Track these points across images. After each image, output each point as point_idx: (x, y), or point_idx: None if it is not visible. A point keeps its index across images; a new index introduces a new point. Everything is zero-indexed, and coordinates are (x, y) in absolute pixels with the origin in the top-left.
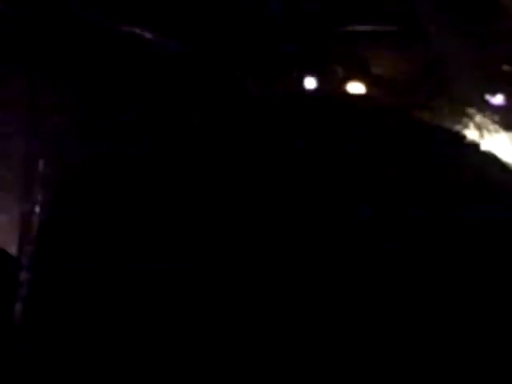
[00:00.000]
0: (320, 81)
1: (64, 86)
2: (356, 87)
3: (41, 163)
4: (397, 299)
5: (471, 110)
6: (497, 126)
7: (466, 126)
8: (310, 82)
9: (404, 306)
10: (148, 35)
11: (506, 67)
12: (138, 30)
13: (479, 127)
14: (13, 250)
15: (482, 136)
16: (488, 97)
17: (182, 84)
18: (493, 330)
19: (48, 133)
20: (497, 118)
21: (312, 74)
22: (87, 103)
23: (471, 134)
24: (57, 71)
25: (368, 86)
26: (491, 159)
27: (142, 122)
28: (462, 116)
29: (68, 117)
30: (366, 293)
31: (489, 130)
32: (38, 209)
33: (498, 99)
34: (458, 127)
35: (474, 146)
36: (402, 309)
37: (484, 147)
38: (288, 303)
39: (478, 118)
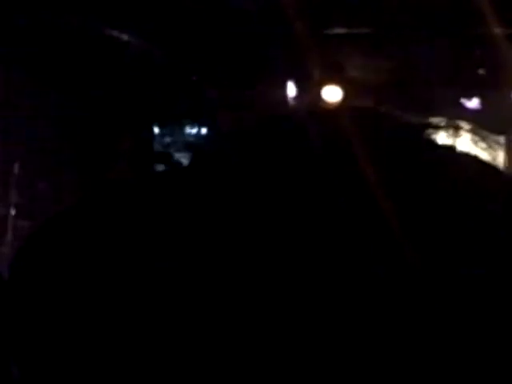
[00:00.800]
0: (297, 84)
1: (44, 88)
2: (332, 90)
3: (16, 167)
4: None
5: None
6: (473, 129)
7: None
8: (288, 86)
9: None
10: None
11: (481, 71)
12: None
13: (456, 132)
14: None
15: (458, 140)
16: (464, 100)
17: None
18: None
19: (24, 136)
20: (472, 121)
21: (289, 77)
22: (67, 108)
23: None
24: (38, 73)
25: (344, 87)
26: (478, 162)
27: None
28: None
29: (46, 121)
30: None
31: (463, 134)
32: (12, 212)
33: (473, 103)
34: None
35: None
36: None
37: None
38: (286, 309)
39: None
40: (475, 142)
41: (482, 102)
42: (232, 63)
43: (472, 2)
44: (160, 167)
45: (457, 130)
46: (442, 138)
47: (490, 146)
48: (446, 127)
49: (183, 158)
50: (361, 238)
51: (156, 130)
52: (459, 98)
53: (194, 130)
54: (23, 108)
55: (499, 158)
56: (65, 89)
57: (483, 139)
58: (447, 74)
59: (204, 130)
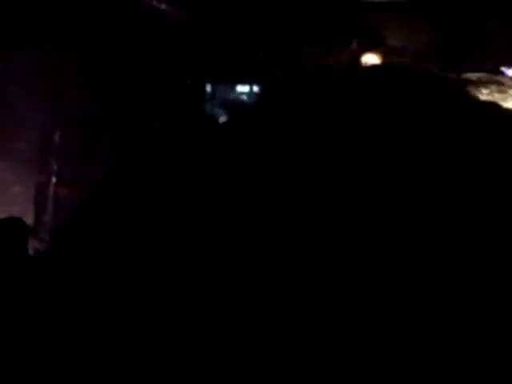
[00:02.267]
0: (335, 53)
1: (84, 61)
2: (371, 58)
3: (56, 135)
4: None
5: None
6: None
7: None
8: (325, 56)
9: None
10: (164, 7)
11: None
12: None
13: (499, 88)
14: (29, 220)
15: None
16: (504, 69)
17: (196, 56)
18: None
19: (66, 106)
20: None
21: (326, 47)
22: (106, 78)
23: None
24: (77, 47)
25: (383, 57)
26: None
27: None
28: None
29: (86, 92)
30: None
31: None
32: (53, 179)
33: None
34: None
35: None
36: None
37: None
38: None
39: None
40: None
41: None
42: (280, 27)
43: None
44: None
45: (499, 85)
46: (483, 94)
47: None
48: (487, 83)
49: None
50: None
51: (208, 88)
52: (498, 67)
53: (246, 89)
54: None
55: None
56: (111, 55)
57: None
58: (489, 43)
59: (256, 89)
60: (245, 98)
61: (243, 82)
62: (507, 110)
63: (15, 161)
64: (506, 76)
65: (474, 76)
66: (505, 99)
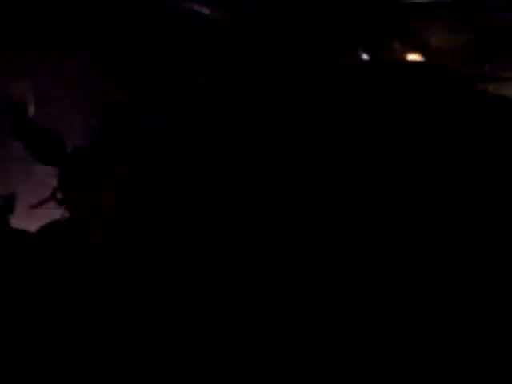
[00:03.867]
0: (378, 56)
1: (123, 61)
2: (414, 59)
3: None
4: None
5: None
6: None
7: None
8: (369, 57)
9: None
10: (207, 12)
11: None
12: (196, 7)
13: None
14: None
15: None
16: None
17: (244, 64)
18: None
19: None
20: None
21: (370, 49)
22: (145, 80)
23: None
24: (116, 47)
25: (427, 58)
26: None
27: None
28: None
29: (125, 93)
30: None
31: None
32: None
33: None
34: None
35: None
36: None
37: None
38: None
39: None
40: None
41: None
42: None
43: None
44: None
45: None
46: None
47: None
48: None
49: None
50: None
51: None
52: None
53: None
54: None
55: None
56: (149, 66)
57: None
58: None
59: None
60: None
61: None
62: None
63: None
64: None
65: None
66: None
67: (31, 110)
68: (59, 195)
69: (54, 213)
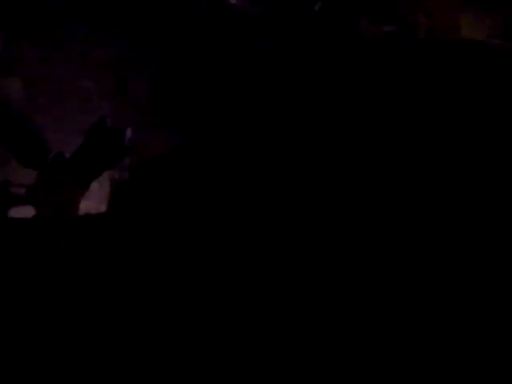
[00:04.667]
0: (403, 31)
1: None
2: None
3: (128, 131)
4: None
5: None
6: None
7: None
8: (393, 33)
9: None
10: None
11: None
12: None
13: None
14: None
15: None
16: None
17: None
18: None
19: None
20: None
21: (394, 24)
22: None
23: None
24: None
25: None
26: None
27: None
28: None
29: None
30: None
31: None
32: (126, 175)
33: None
34: None
35: None
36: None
37: None
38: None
39: None
40: None
41: None
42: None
43: None
44: None
45: None
46: None
47: None
48: None
49: None
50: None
51: None
52: None
53: None
54: None
55: None
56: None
57: None
58: None
59: None
60: None
61: None
62: None
63: None
64: None
65: None
66: None
67: (17, 110)
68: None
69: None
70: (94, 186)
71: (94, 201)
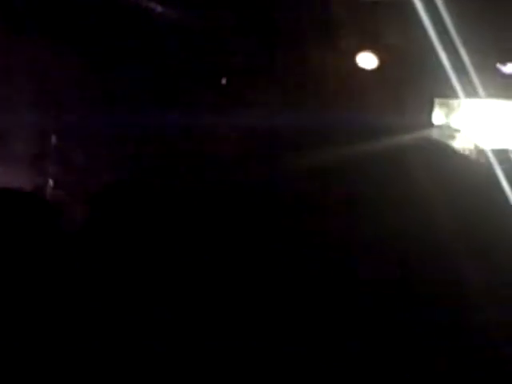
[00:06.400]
0: (333, 53)
1: (77, 60)
2: (368, 57)
3: (53, 138)
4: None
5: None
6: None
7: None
8: (324, 55)
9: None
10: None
11: None
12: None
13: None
14: None
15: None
16: (499, 66)
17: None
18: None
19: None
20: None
21: (325, 46)
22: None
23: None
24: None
25: (379, 55)
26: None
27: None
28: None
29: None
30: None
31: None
32: (50, 182)
33: (508, 68)
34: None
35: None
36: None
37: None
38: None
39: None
40: None
41: None
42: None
43: None
44: None
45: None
46: None
47: None
48: None
49: None
50: None
51: None
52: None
53: None
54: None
55: None
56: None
57: None
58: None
59: None
60: None
61: None
62: None
63: (11, 164)
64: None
65: None
66: None
67: None
68: None
69: None
70: None
71: None
